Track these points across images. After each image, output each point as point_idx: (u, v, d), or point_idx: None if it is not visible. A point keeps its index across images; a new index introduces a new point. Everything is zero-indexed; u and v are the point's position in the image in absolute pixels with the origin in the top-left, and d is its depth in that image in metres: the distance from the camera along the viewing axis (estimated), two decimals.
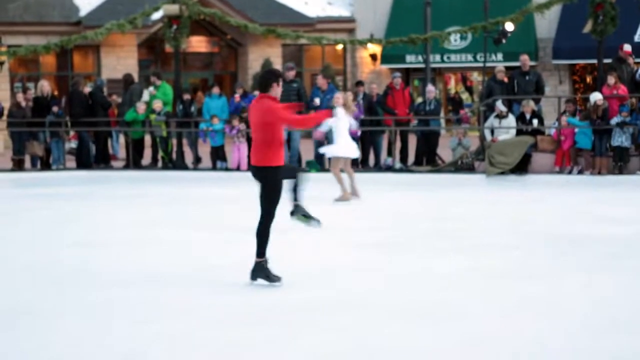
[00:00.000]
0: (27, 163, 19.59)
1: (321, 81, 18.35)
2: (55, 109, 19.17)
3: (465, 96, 28.83)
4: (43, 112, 19.16)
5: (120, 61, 27.29)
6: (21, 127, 19.07)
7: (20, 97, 19.55)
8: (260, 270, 7.62)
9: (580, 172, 16.72)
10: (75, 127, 19.29)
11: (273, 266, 7.66)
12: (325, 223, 11.49)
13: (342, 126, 13.39)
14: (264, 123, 7.58)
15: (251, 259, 7.70)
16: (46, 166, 19.40)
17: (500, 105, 17.23)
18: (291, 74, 18.03)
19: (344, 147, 13.46)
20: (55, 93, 23.54)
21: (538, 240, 9.98)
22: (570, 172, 16.78)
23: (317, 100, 18.09)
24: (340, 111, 13.29)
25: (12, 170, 19.15)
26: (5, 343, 6.06)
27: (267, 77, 7.70)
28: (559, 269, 8.37)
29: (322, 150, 14.51)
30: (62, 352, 5.84)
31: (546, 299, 7.10)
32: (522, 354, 5.65)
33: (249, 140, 18.20)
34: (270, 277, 7.61)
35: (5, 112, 19.85)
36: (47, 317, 6.75)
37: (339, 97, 13.72)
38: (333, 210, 12.96)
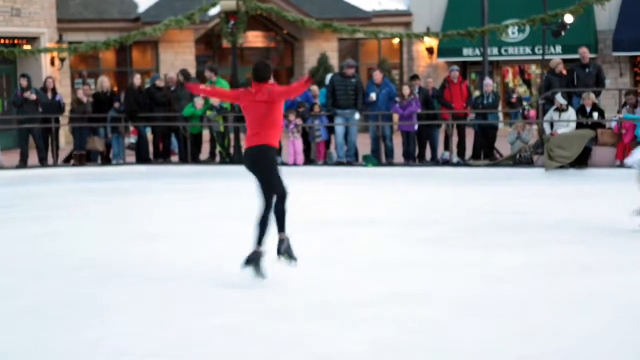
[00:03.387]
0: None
1: (378, 76, 18.40)
2: (117, 104, 19.42)
3: (523, 89, 28.53)
4: (103, 108, 19.43)
5: (178, 57, 27.55)
6: (82, 122, 19.38)
7: (80, 93, 19.87)
8: (255, 260, 7.61)
9: None
10: (134, 122, 19.53)
11: (328, 263, 7.66)
12: (382, 217, 11.54)
13: None
14: (271, 102, 7.58)
15: (309, 252, 7.73)
16: (107, 161, 19.69)
17: (560, 99, 17.02)
18: (350, 72, 18.29)
19: None
20: (115, 89, 23.84)
21: (598, 234, 9.85)
22: (631, 166, 16.49)
23: (373, 96, 18.14)
24: None
25: (74, 165, 19.48)
26: (68, 332, 6.18)
27: (268, 69, 7.71)
28: (619, 264, 8.26)
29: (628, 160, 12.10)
30: (123, 342, 5.94)
31: (605, 295, 7.01)
32: (580, 347, 5.60)
33: (304, 136, 18.26)
34: (260, 271, 7.59)
35: (68, 108, 20.20)
36: (108, 309, 6.86)
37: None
38: (388, 205, 12.96)
